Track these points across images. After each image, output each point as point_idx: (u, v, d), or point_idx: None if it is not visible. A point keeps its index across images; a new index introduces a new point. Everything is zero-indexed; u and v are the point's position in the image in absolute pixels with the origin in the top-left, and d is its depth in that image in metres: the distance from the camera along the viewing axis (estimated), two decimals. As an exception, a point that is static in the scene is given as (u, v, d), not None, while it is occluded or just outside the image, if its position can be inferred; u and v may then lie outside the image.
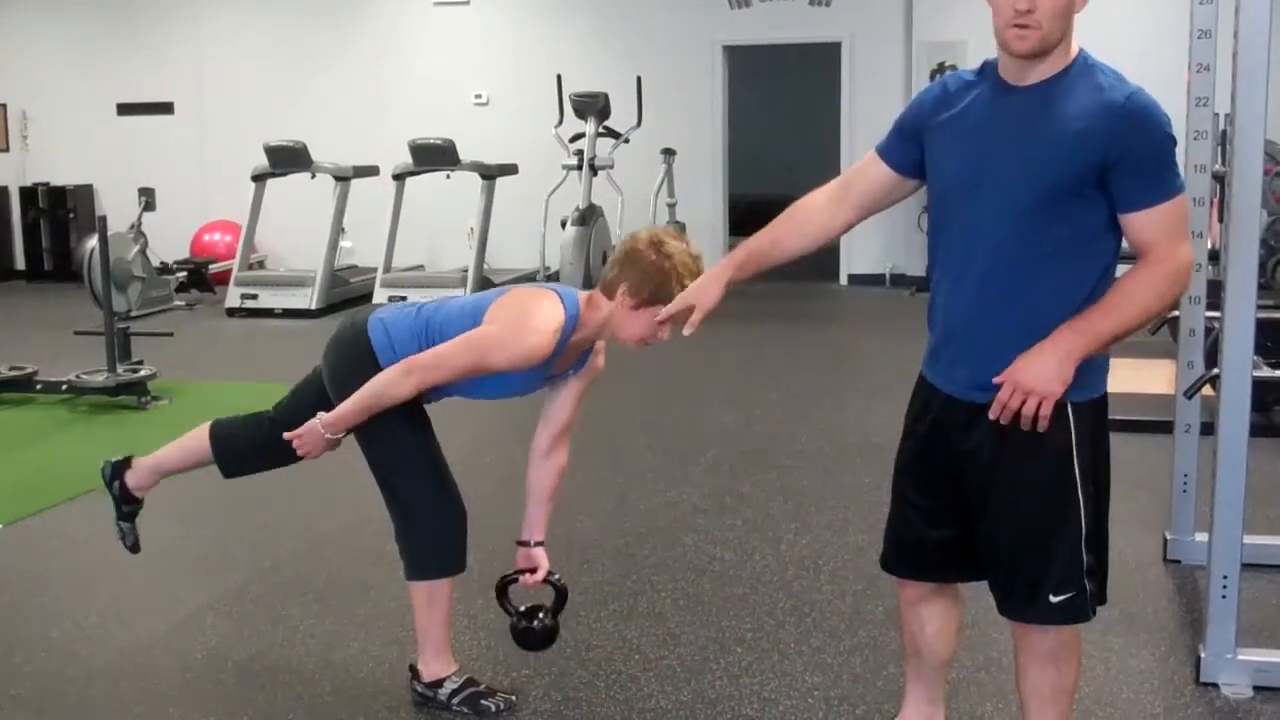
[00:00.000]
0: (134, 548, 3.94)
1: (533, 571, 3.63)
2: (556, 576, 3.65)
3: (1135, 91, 2.49)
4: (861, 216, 2.85)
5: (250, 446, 3.69)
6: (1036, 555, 2.63)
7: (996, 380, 2.53)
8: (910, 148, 2.75)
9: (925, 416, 2.78)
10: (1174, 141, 2.50)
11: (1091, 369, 2.59)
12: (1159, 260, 2.48)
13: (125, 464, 3.85)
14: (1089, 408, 2.62)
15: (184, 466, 3.83)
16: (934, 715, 3.07)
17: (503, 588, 3.65)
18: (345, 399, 3.36)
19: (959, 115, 2.64)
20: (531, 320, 3.26)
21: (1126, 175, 2.47)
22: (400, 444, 3.44)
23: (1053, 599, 2.63)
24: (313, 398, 3.53)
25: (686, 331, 2.95)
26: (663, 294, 3.21)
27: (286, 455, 3.50)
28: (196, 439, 3.75)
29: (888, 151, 2.78)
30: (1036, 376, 2.49)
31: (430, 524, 3.46)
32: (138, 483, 3.83)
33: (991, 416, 2.56)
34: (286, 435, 3.42)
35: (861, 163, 2.84)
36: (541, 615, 3.60)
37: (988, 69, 2.66)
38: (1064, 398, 2.54)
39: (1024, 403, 2.51)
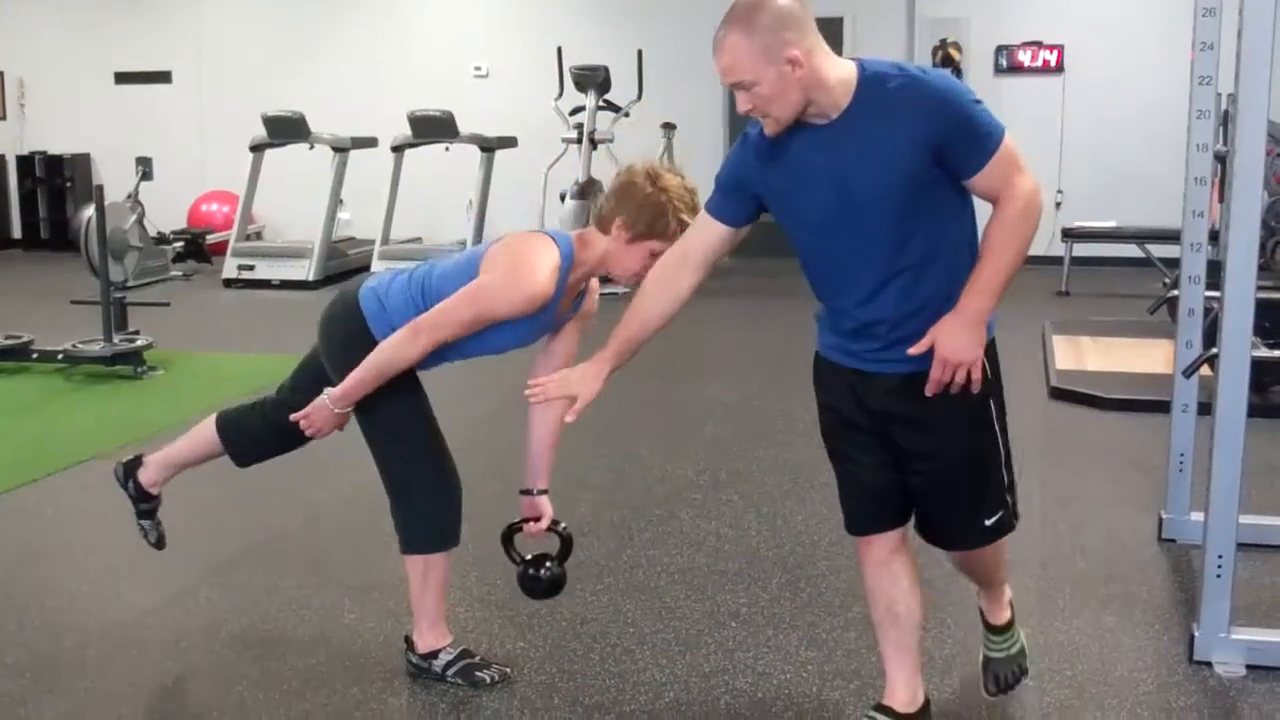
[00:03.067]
0: (159, 543, 3.94)
1: (537, 520, 3.61)
2: (562, 525, 3.63)
3: (923, 75, 2.65)
4: (707, 273, 2.97)
5: (259, 432, 3.69)
6: (972, 488, 2.88)
7: (912, 352, 2.69)
8: (742, 202, 2.87)
9: (842, 391, 2.90)
10: (976, 99, 2.65)
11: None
12: (1008, 199, 2.64)
13: (136, 463, 3.86)
14: (990, 346, 2.77)
15: (195, 459, 3.83)
16: (918, 688, 3.09)
17: (508, 536, 3.61)
18: (344, 374, 3.35)
19: (787, 157, 2.74)
20: (528, 264, 3.24)
21: (952, 150, 2.62)
22: (396, 418, 3.42)
23: (986, 522, 2.90)
24: (314, 377, 3.52)
25: (569, 419, 2.98)
26: (659, 227, 3.21)
27: (297, 437, 3.49)
28: (204, 431, 3.75)
29: (720, 210, 2.90)
30: (960, 348, 2.65)
31: (425, 499, 3.45)
32: (151, 479, 3.83)
33: (929, 394, 2.70)
34: (293, 417, 3.41)
35: (695, 229, 2.97)
36: (548, 564, 3.57)
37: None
38: None
39: (955, 374, 2.68)
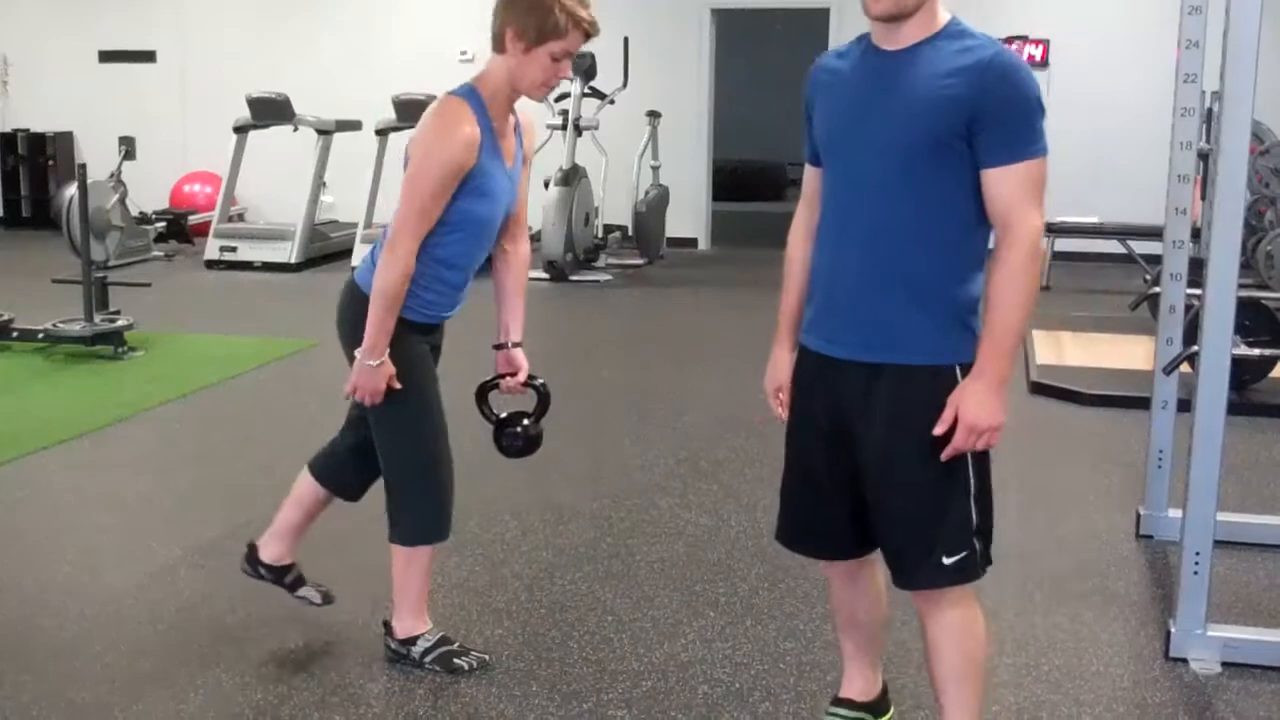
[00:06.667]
0: (325, 600, 3.79)
1: (513, 375, 3.56)
2: (539, 380, 3.55)
3: (1001, 50, 2.57)
4: None
5: (349, 461, 3.62)
6: (930, 517, 2.66)
7: (937, 432, 2.57)
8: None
9: (814, 385, 2.79)
10: (1040, 106, 2.56)
11: (969, 336, 2.62)
12: (1016, 239, 2.52)
13: (252, 551, 3.76)
14: (968, 369, 2.62)
15: (308, 517, 3.72)
16: (875, 679, 3.10)
17: (482, 393, 3.53)
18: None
19: (835, 81, 2.71)
20: (441, 122, 3.22)
21: (987, 130, 2.51)
22: (406, 409, 3.37)
23: (945, 560, 2.65)
24: None
25: (782, 414, 2.94)
26: (549, 26, 3.16)
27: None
28: (304, 487, 3.69)
29: (812, 156, 2.82)
30: (983, 416, 2.55)
31: (424, 495, 3.44)
32: (275, 555, 3.74)
33: (945, 459, 2.59)
34: (345, 394, 3.36)
35: (806, 177, 2.88)
36: (525, 422, 3.50)
37: (863, 39, 2.71)
38: (951, 363, 2.61)
39: (979, 441, 2.58)
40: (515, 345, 3.55)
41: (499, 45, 3.26)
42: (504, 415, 3.52)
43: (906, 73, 2.57)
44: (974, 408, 2.55)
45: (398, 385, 3.31)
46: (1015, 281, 2.53)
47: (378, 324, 3.25)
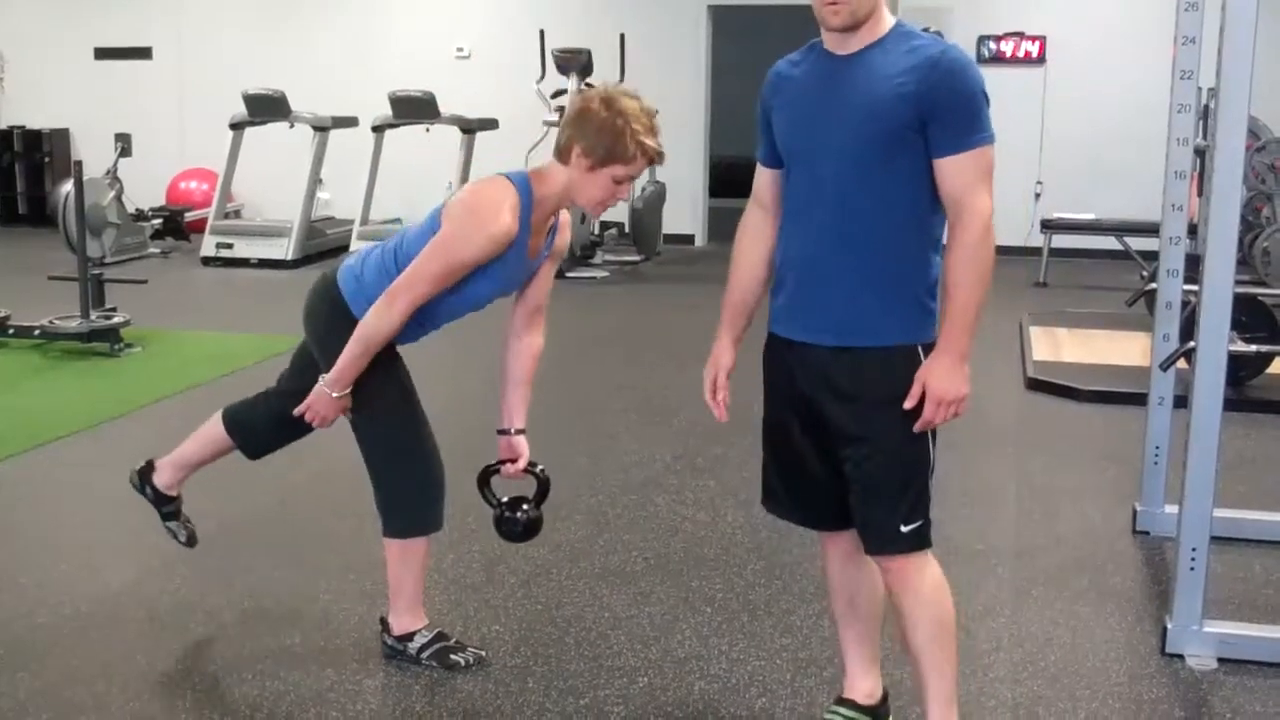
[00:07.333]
0: (189, 541, 3.92)
1: (514, 461, 3.59)
2: (539, 467, 3.59)
3: (949, 48, 2.72)
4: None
5: (265, 424, 3.67)
6: (898, 489, 2.80)
7: (908, 405, 2.72)
8: (773, 142, 2.90)
9: (786, 371, 2.90)
10: (985, 98, 2.69)
11: (929, 317, 2.79)
12: (969, 219, 2.67)
13: (149, 467, 3.84)
14: (930, 348, 2.78)
15: (206, 458, 3.81)
16: (877, 680, 3.11)
17: (485, 478, 3.58)
18: (329, 356, 3.34)
19: (792, 88, 2.85)
20: (485, 205, 3.20)
21: (938, 121, 2.66)
22: (381, 401, 3.40)
23: (903, 529, 2.80)
24: (310, 363, 3.50)
25: (716, 410, 3.05)
26: (618, 151, 3.18)
27: (304, 426, 3.47)
28: (211, 429, 3.74)
29: (765, 156, 2.95)
30: (950, 388, 2.70)
31: (410, 483, 3.44)
32: (167, 482, 3.82)
33: (917, 430, 2.74)
34: (296, 411, 3.39)
35: (756, 178, 2.99)
36: (525, 506, 3.55)
37: (814, 47, 2.84)
38: (914, 342, 2.77)
39: (947, 413, 2.73)
40: (518, 432, 3.59)
41: (563, 156, 3.25)
42: (505, 500, 3.58)
43: (860, 74, 2.72)
44: (941, 381, 2.70)
45: (351, 415, 3.39)
46: (971, 260, 2.67)
47: (352, 362, 3.29)
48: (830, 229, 2.75)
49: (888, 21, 2.76)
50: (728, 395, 3.03)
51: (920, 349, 2.76)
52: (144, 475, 3.84)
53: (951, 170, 2.67)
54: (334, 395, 3.32)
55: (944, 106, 2.65)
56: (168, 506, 3.86)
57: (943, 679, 2.88)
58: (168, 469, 3.82)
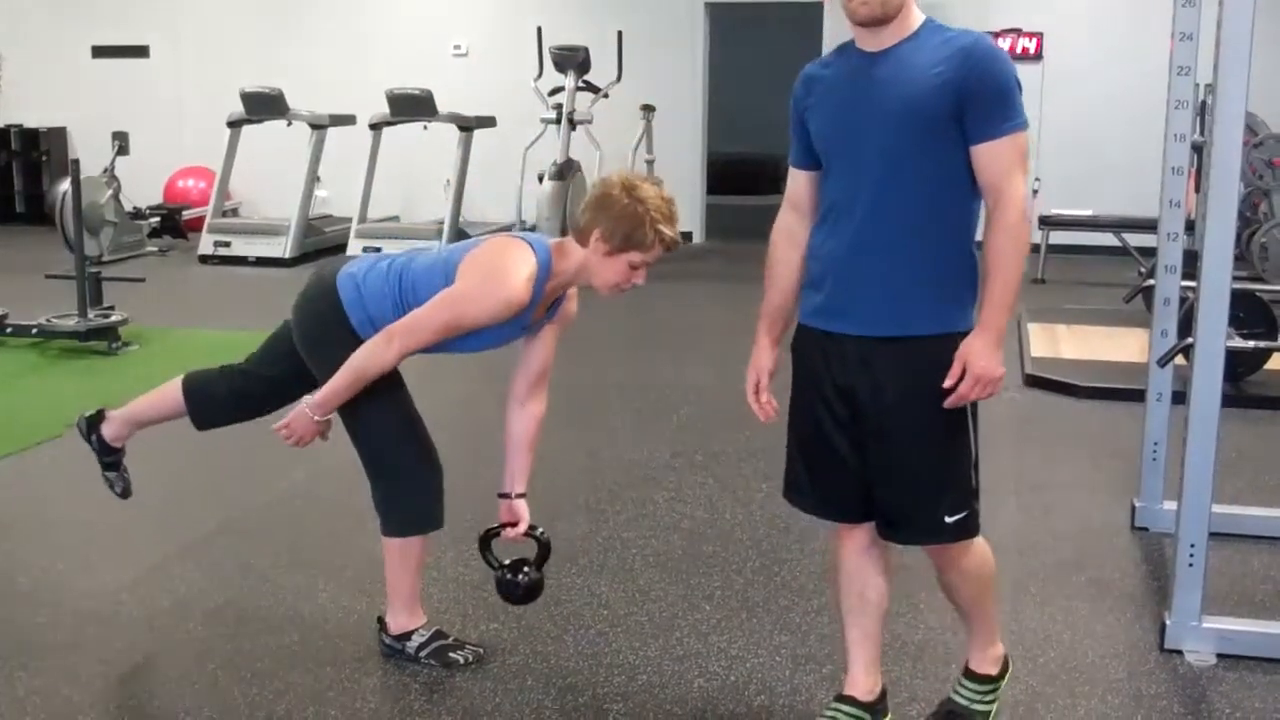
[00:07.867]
0: (125, 493, 3.95)
1: (515, 525, 3.62)
2: (540, 530, 3.64)
3: (980, 38, 2.77)
4: None
5: (223, 399, 3.68)
6: (938, 480, 2.86)
7: (947, 384, 2.75)
8: (806, 142, 2.93)
9: (822, 362, 2.91)
10: (1017, 84, 2.74)
11: (968, 303, 2.84)
12: (1007, 202, 2.72)
13: (99, 417, 3.86)
14: (966, 335, 2.81)
15: (158, 418, 3.82)
16: (877, 678, 3.11)
17: (486, 541, 3.64)
18: (317, 357, 3.34)
19: (825, 88, 2.88)
20: (503, 273, 3.22)
21: (973, 109, 2.71)
22: (375, 402, 3.39)
23: (948, 519, 2.87)
24: (285, 351, 3.50)
25: (759, 410, 3.10)
26: (637, 238, 3.20)
27: (259, 407, 3.49)
28: (169, 391, 3.74)
29: (798, 158, 2.97)
30: (987, 366, 2.73)
31: (407, 482, 3.44)
32: (114, 434, 3.84)
33: (948, 406, 2.77)
34: (274, 427, 3.38)
35: (790, 181, 3.02)
36: (526, 569, 3.59)
37: (844, 48, 2.88)
38: (954, 330, 2.80)
39: (985, 390, 2.76)
40: (519, 496, 3.62)
41: (582, 238, 3.27)
42: (507, 562, 3.60)
43: (894, 69, 2.76)
44: (980, 358, 2.73)
45: (346, 416, 3.40)
46: (1012, 242, 2.73)
47: (340, 390, 3.29)
48: (872, 222, 2.78)
49: (918, 17, 2.80)
50: (772, 397, 3.05)
51: (961, 337, 2.79)
52: (93, 424, 3.86)
53: (989, 156, 2.72)
54: (315, 418, 3.33)
55: (979, 93, 2.69)
56: (110, 457, 3.88)
57: (984, 621, 3.12)
58: (117, 422, 3.84)
